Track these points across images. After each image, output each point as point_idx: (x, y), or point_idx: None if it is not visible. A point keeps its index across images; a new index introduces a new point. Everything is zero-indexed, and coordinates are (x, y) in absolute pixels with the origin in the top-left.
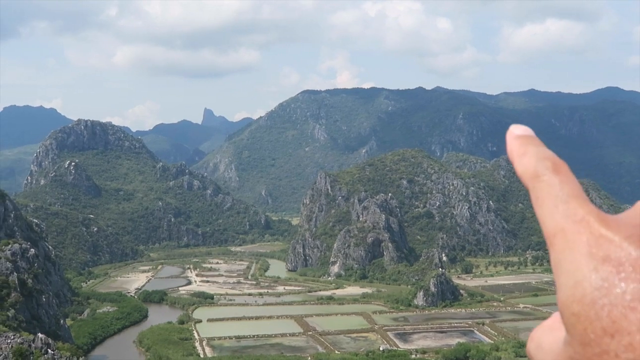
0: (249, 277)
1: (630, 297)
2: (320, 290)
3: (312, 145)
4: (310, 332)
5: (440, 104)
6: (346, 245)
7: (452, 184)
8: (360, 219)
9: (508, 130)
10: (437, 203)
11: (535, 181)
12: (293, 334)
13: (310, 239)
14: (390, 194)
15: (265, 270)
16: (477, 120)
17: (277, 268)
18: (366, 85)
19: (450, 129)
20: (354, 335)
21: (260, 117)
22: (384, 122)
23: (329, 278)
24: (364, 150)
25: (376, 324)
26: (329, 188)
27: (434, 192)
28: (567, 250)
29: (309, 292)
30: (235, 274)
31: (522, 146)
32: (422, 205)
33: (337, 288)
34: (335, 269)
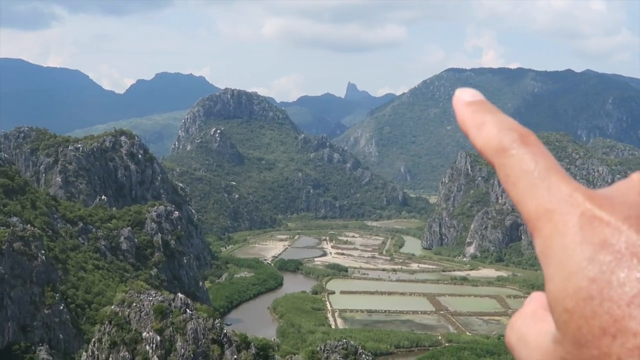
0: (384, 252)
1: (635, 291)
2: (454, 270)
3: (454, 124)
4: (442, 312)
5: (589, 88)
6: (483, 226)
7: (598, 171)
8: (499, 201)
9: (454, 96)
10: None
11: (502, 156)
12: (425, 312)
13: (447, 218)
14: None
15: (400, 247)
16: (628, 106)
17: (412, 245)
18: (512, 66)
19: (599, 114)
20: (487, 317)
21: (403, 93)
22: (529, 103)
23: (464, 259)
24: None
25: (510, 308)
26: (469, 168)
27: (577, 178)
28: (556, 235)
29: (443, 271)
30: (370, 249)
31: (477, 114)
32: None
33: (472, 269)
34: (470, 249)
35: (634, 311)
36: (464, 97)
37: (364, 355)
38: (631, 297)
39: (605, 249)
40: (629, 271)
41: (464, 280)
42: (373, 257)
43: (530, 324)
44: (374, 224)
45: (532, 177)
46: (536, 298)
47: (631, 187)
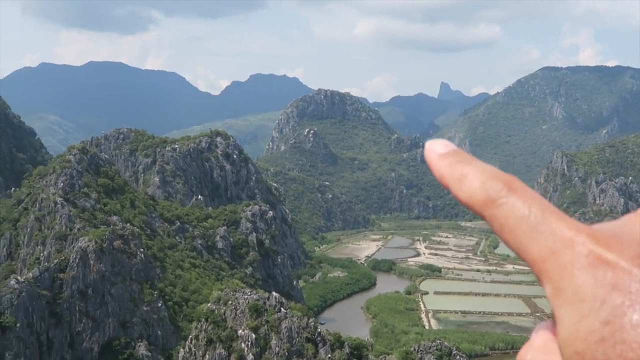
0: (478, 253)
1: None
2: None
3: (550, 123)
4: (538, 314)
5: None
6: None
7: None
8: (597, 202)
9: (425, 149)
10: None
11: (491, 208)
12: (520, 314)
13: None
14: (630, 178)
15: (495, 247)
16: None
17: None
18: (610, 63)
19: None
20: None
21: (497, 92)
22: (628, 102)
23: None
24: (604, 131)
25: None
26: (565, 168)
27: None
28: (566, 277)
29: None
30: (464, 249)
31: (454, 167)
32: None
33: None
34: None
35: None
36: (437, 149)
37: (458, 357)
38: None
39: (617, 291)
40: None
41: None
42: (467, 257)
43: (541, 358)
44: (468, 224)
45: (529, 222)
46: (545, 328)
47: (634, 224)
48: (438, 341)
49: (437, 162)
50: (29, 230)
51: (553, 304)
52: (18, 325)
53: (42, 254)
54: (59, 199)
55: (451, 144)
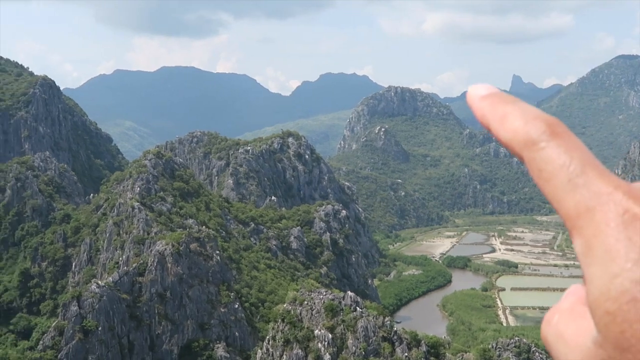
0: (555, 247)
1: None
2: None
3: (626, 113)
4: None
5: None
6: None
7: None
8: None
9: (468, 92)
10: None
11: (531, 150)
12: None
13: None
14: None
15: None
16: None
17: None
18: None
19: None
20: None
21: (571, 83)
22: None
23: None
24: None
25: None
26: None
27: None
28: (599, 235)
29: None
30: (540, 244)
31: (497, 106)
32: None
33: None
34: None
35: None
36: (479, 92)
37: (537, 354)
38: None
39: None
40: None
41: None
42: (544, 252)
43: (569, 322)
44: (544, 218)
45: (568, 172)
46: (574, 292)
47: None
48: (516, 338)
49: (479, 103)
50: (107, 235)
51: (583, 262)
52: (100, 328)
53: (121, 258)
54: (136, 204)
55: (494, 88)
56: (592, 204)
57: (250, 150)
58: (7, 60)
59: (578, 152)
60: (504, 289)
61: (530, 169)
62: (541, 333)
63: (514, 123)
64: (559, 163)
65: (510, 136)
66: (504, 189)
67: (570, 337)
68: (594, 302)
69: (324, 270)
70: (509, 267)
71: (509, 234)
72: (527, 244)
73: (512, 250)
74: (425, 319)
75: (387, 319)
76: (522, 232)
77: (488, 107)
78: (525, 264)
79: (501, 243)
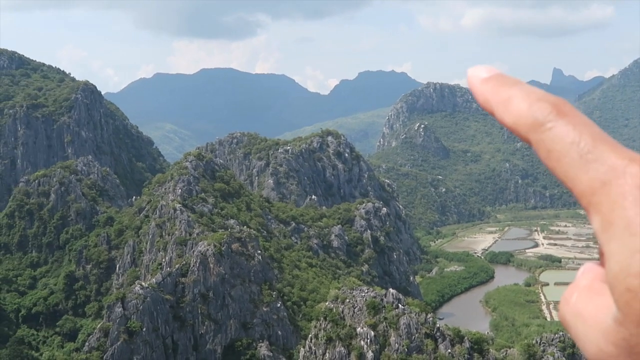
0: None
1: None
2: None
3: None
4: None
5: None
6: None
7: None
8: None
9: (468, 75)
10: None
11: (539, 132)
12: None
13: None
14: None
15: None
16: None
17: None
18: None
19: None
20: None
21: (613, 75)
22: None
23: None
24: None
25: None
26: None
27: None
28: (618, 209)
29: None
30: (584, 238)
31: (499, 89)
32: None
33: None
34: None
35: None
36: (480, 74)
37: None
38: None
39: None
40: None
41: None
42: (588, 246)
43: (588, 300)
44: None
45: (579, 149)
46: (590, 269)
47: None
48: (561, 333)
49: (481, 87)
50: (150, 236)
51: (602, 239)
52: (144, 329)
53: (164, 260)
54: (177, 205)
55: (495, 69)
56: (607, 178)
57: (290, 150)
58: (50, 67)
59: (587, 128)
60: (547, 284)
61: (539, 152)
62: (559, 313)
63: (519, 106)
64: (569, 141)
65: (515, 120)
66: (546, 183)
67: (589, 315)
68: (614, 278)
69: (365, 268)
70: (552, 262)
71: (552, 228)
72: (570, 238)
73: (555, 244)
74: (468, 315)
75: (429, 315)
76: (565, 226)
77: (490, 91)
78: (569, 258)
79: (544, 238)
